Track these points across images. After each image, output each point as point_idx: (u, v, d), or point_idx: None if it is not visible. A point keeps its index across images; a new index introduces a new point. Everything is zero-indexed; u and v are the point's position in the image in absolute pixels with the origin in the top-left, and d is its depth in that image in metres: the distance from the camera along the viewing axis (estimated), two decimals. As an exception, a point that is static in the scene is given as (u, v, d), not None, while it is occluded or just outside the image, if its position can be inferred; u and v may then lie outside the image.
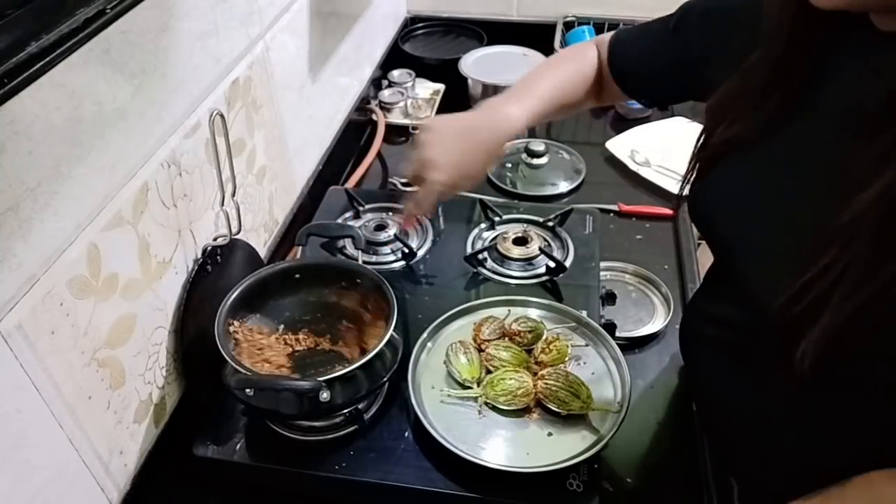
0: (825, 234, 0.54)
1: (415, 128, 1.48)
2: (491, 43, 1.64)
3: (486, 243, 1.07)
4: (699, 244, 1.22)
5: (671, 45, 0.78)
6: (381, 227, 1.08)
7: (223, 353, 0.76)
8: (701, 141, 0.72)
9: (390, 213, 1.13)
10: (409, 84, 1.54)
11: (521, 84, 0.86)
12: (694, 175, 0.73)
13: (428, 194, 0.80)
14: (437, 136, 0.80)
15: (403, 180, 1.32)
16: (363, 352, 0.83)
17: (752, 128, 0.64)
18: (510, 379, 0.81)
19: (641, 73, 0.84)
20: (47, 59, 0.48)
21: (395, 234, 1.07)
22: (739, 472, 0.78)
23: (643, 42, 0.84)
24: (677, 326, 1.03)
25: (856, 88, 0.57)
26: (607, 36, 0.88)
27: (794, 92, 0.61)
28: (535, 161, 1.35)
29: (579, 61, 0.88)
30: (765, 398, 0.69)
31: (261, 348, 0.85)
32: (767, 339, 0.66)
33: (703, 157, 0.71)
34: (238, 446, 0.81)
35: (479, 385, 0.83)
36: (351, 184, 1.32)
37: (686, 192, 0.74)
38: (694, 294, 0.89)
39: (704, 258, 1.16)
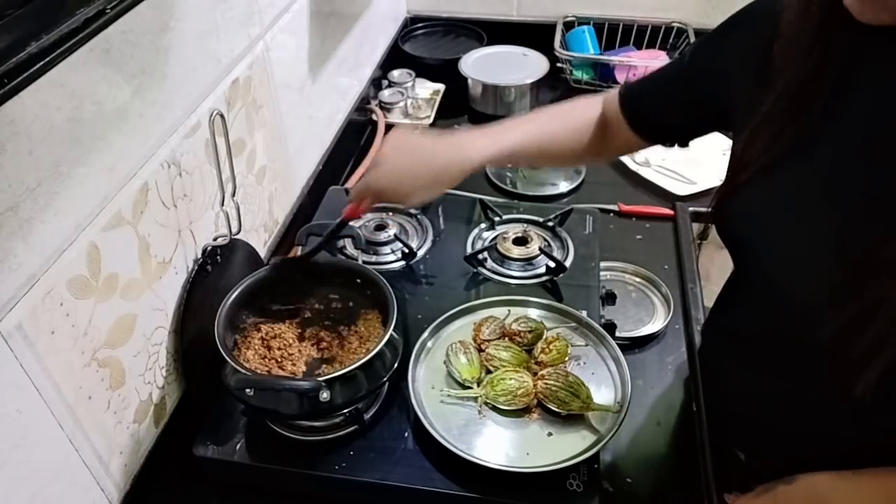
0: (871, 261, 0.54)
1: (415, 128, 1.48)
2: (491, 43, 1.64)
3: (486, 243, 1.07)
4: (699, 244, 1.22)
5: (688, 77, 0.77)
6: (381, 227, 1.09)
7: (223, 353, 0.76)
8: (733, 165, 0.70)
9: (390, 213, 1.13)
10: (409, 84, 1.54)
11: (502, 123, 0.84)
12: (723, 194, 0.71)
13: (362, 189, 0.80)
14: (396, 143, 0.80)
15: None
16: (362, 352, 0.83)
17: (782, 148, 0.63)
18: (510, 379, 0.81)
19: (659, 112, 0.81)
20: (47, 59, 0.48)
21: (395, 234, 1.07)
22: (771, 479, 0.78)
23: (657, 83, 0.82)
24: (678, 326, 1.04)
25: (890, 101, 0.57)
26: (615, 90, 0.85)
27: (822, 110, 0.60)
28: (535, 161, 1.35)
29: (575, 112, 0.86)
30: (804, 414, 0.69)
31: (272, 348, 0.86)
32: (806, 356, 0.66)
33: (736, 181, 0.69)
34: (238, 446, 0.81)
35: (479, 385, 0.83)
36: (351, 184, 1.32)
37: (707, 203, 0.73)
38: (713, 312, 0.87)
39: (704, 258, 1.16)
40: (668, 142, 0.86)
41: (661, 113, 0.81)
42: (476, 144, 0.80)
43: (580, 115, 0.86)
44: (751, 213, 0.68)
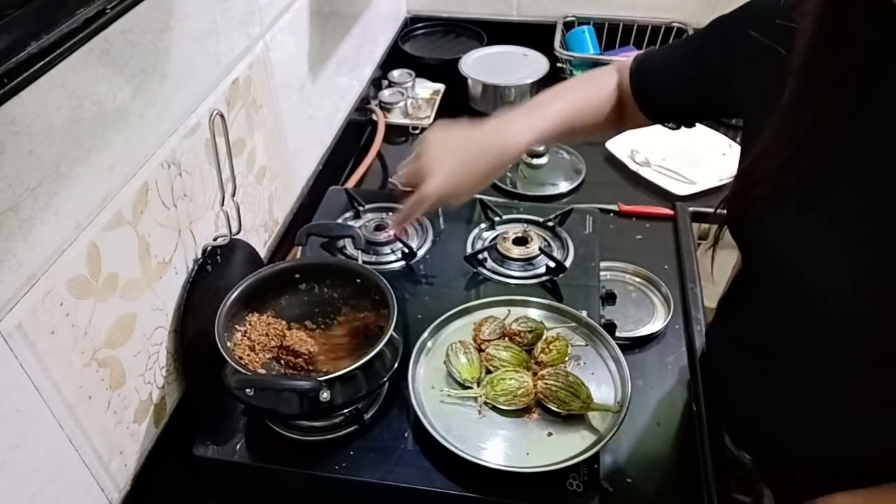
0: None
1: (415, 128, 1.48)
2: (491, 43, 1.64)
3: (486, 243, 1.07)
4: (699, 244, 1.22)
5: (695, 60, 0.76)
6: (381, 227, 1.08)
7: (223, 353, 0.76)
8: (747, 178, 0.66)
9: (390, 213, 1.13)
10: (409, 84, 1.54)
11: (532, 103, 0.83)
12: (738, 203, 0.68)
13: (421, 201, 0.77)
14: (438, 145, 0.77)
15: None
16: (363, 352, 0.83)
17: (807, 160, 0.60)
18: (510, 379, 0.81)
19: (664, 91, 0.81)
20: (47, 59, 0.48)
21: (395, 234, 1.07)
22: (780, 480, 0.78)
23: (666, 61, 0.81)
24: (678, 326, 1.04)
25: None
26: (630, 59, 0.85)
27: (847, 121, 0.57)
28: (535, 161, 1.35)
29: (596, 86, 0.85)
30: (815, 421, 0.69)
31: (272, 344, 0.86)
32: (822, 365, 0.65)
33: (756, 192, 0.65)
34: (238, 446, 0.81)
35: (479, 385, 0.83)
36: (351, 184, 1.32)
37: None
38: (719, 316, 0.87)
39: (704, 258, 1.16)
40: (673, 124, 0.86)
41: (667, 98, 0.81)
42: (517, 128, 0.79)
43: (601, 86, 0.85)
44: (772, 223, 0.65)
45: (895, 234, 0.56)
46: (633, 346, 1.01)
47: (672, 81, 0.79)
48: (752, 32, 0.67)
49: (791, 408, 0.71)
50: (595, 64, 1.59)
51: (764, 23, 0.66)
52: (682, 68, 0.78)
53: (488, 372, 0.85)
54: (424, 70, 1.60)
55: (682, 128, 0.86)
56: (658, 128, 1.39)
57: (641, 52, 0.85)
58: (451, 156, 0.77)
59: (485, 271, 1.03)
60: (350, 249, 1.07)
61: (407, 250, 1.05)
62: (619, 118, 0.86)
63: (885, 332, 0.57)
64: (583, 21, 1.64)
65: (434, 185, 0.75)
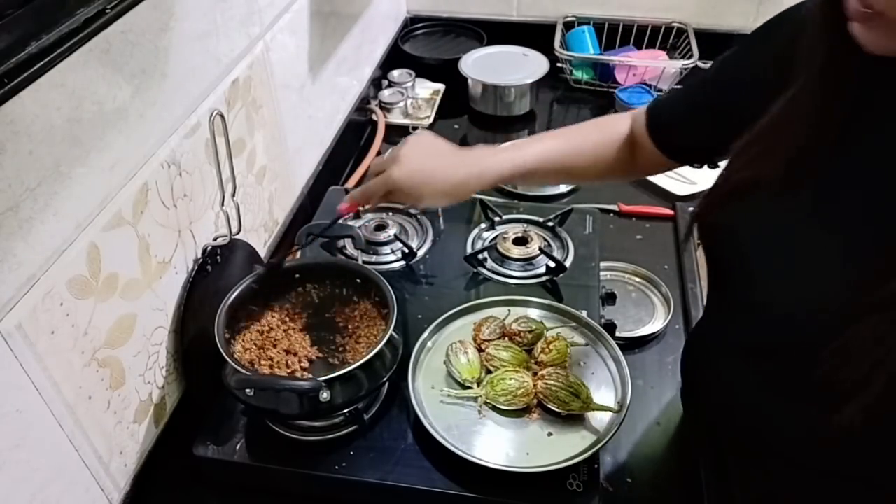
0: (874, 293, 0.53)
1: (415, 128, 1.48)
2: (491, 43, 1.64)
3: (486, 243, 1.07)
4: (699, 244, 1.22)
5: (713, 89, 0.74)
6: (381, 227, 1.08)
7: (223, 353, 0.76)
8: (725, 176, 0.67)
9: (390, 213, 1.13)
10: (409, 84, 1.54)
11: (525, 139, 0.84)
12: (712, 205, 0.68)
13: (378, 186, 0.81)
14: (417, 143, 0.81)
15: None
16: (363, 352, 0.83)
17: (786, 167, 0.60)
18: (510, 379, 0.81)
19: (683, 129, 0.79)
20: (47, 59, 0.48)
21: (395, 234, 1.07)
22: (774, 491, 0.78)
23: (681, 99, 0.80)
24: (678, 326, 1.04)
25: None
26: (644, 107, 0.83)
27: (833, 135, 0.58)
28: (535, 161, 1.34)
29: (600, 129, 0.84)
30: (803, 427, 0.68)
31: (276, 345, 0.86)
32: (799, 369, 0.65)
33: (727, 192, 0.65)
34: (238, 446, 0.81)
35: (479, 385, 0.83)
36: (351, 184, 1.32)
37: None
38: (701, 321, 0.87)
39: (704, 259, 1.16)
40: (694, 162, 0.84)
41: (685, 130, 0.78)
42: (498, 158, 0.80)
43: (608, 130, 0.84)
44: (737, 229, 0.65)
45: (887, 237, 0.56)
46: (633, 346, 1.01)
47: (690, 116, 0.77)
48: (773, 51, 0.67)
49: (787, 410, 0.71)
50: (595, 64, 1.60)
51: (781, 42, 0.66)
52: (700, 100, 0.76)
53: (488, 372, 0.85)
54: (424, 70, 1.60)
55: (706, 167, 0.84)
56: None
57: (656, 96, 0.84)
58: (423, 156, 0.80)
59: (485, 271, 1.03)
60: (350, 249, 1.07)
61: (407, 250, 1.05)
62: (633, 161, 0.84)
63: (880, 334, 0.57)
64: (583, 21, 1.64)
65: (396, 173, 0.78)
